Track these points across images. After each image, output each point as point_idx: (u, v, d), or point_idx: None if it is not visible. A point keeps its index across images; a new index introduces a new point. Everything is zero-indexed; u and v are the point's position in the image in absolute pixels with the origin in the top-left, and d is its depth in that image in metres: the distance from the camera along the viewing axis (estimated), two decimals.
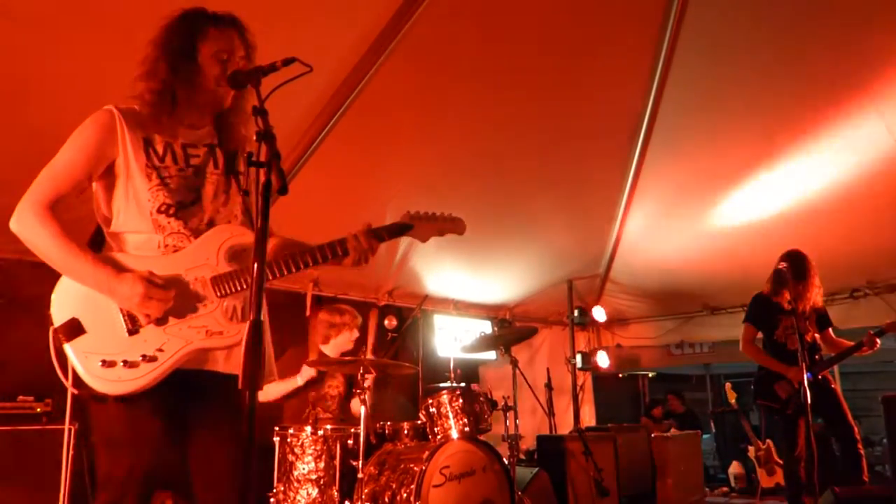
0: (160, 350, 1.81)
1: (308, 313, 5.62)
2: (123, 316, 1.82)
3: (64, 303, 1.83)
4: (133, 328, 1.82)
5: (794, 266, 4.32)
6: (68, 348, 1.78)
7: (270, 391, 4.26)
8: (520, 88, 4.89)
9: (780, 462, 6.83)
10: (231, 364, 1.93)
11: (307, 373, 4.07)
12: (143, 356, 1.80)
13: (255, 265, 1.47)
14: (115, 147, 1.90)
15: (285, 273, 1.96)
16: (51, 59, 3.34)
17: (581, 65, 4.91)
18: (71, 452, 3.60)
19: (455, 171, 5.42)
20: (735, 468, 7.80)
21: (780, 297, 4.43)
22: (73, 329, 1.79)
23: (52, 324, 1.81)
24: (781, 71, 4.83)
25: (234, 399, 1.71)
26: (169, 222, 1.90)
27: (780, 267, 4.15)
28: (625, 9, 4.67)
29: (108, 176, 1.93)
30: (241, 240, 1.97)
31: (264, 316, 1.59)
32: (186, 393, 1.89)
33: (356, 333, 4.43)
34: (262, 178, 1.51)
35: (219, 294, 1.91)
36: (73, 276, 1.83)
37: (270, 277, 1.91)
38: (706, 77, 5.13)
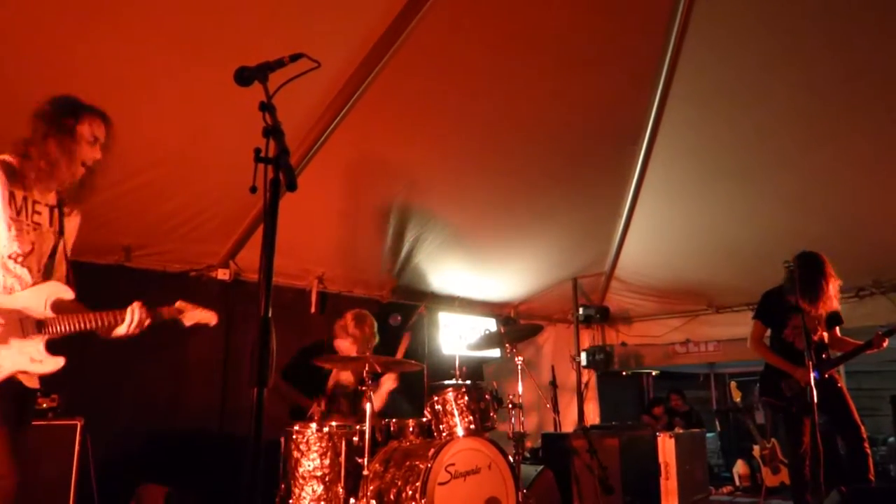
0: None
1: (313, 310, 5.62)
2: None
3: None
4: None
5: (808, 273, 4.26)
6: None
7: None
8: (526, 86, 4.87)
9: (785, 461, 6.83)
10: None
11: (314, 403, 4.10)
12: None
13: (263, 263, 1.46)
14: None
15: (66, 330, 2.42)
16: None
17: (587, 61, 4.89)
18: (77, 448, 3.62)
19: (460, 169, 5.41)
20: (740, 467, 7.80)
21: (789, 297, 4.38)
22: None
23: None
24: (788, 67, 4.80)
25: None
26: (15, 268, 2.34)
27: (792, 272, 4.10)
28: (633, 3, 4.65)
29: None
30: (64, 295, 2.46)
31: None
32: (15, 398, 2.35)
33: (354, 351, 4.42)
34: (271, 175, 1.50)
35: (42, 333, 2.36)
36: None
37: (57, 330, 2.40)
38: (713, 74, 5.11)
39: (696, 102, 5.35)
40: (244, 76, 1.80)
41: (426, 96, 4.70)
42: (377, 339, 4.54)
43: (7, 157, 2.36)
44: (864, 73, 4.69)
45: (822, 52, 4.65)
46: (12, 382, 2.31)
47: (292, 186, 1.49)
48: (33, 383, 2.42)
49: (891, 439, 8.80)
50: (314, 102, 4.27)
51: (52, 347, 2.41)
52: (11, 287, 2.33)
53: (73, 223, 2.62)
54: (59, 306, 2.42)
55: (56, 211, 2.51)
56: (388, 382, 4.46)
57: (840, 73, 4.73)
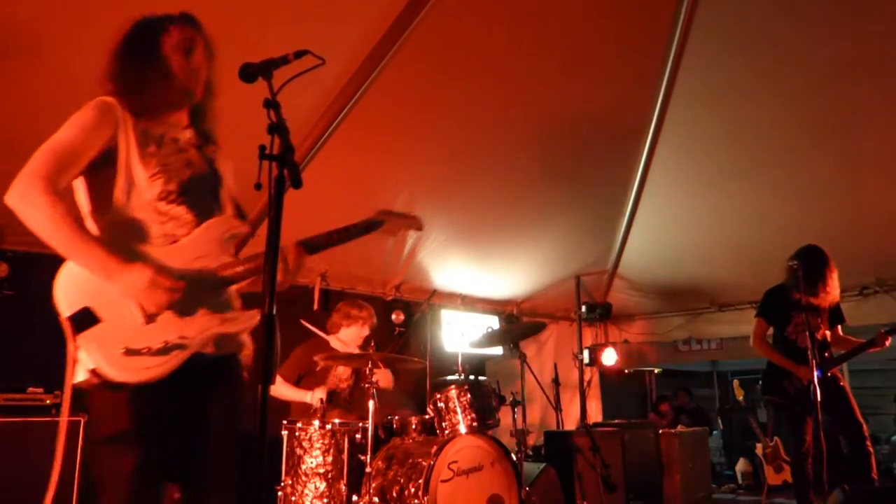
0: (183, 336, 1.81)
1: (316, 307, 5.62)
2: (138, 305, 1.76)
3: (72, 293, 1.76)
4: (150, 317, 1.78)
5: (810, 266, 4.26)
6: (82, 339, 1.72)
7: (279, 389, 4.27)
8: (530, 83, 4.87)
9: (788, 459, 6.83)
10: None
11: (318, 395, 4.10)
12: (166, 342, 1.78)
13: (268, 259, 1.46)
14: (115, 133, 1.87)
15: (250, 273, 1.96)
16: None
17: (590, 58, 4.88)
18: (80, 444, 3.63)
19: (463, 166, 5.40)
20: (742, 465, 7.79)
21: (792, 293, 4.38)
22: (86, 319, 1.73)
23: (59, 314, 1.73)
24: (793, 66, 4.79)
25: (236, 377, 1.99)
26: (169, 209, 1.89)
27: (793, 266, 4.11)
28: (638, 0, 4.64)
29: (103, 166, 1.86)
30: (238, 230, 2.02)
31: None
32: (198, 378, 1.88)
33: (366, 331, 4.45)
34: (275, 172, 1.50)
35: (226, 282, 1.93)
36: (79, 261, 1.76)
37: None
38: (717, 72, 5.10)
39: (700, 100, 5.34)
40: (248, 73, 1.77)
41: (430, 93, 4.70)
42: (376, 321, 4.55)
43: (111, 97, 1.92)
44: (868, 70, 4.67)
45: (827, 49, 4.63)
46: (198, 363, 1.84)
47: (297, 184, 1.49)
48: (228, 346, 1.95)
49: (893, 438, 8.80)
50: (317, 99, 4.27)
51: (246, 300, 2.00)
52: (173, 234, 1.89)
53: (226, 165, 2.17)
54: (233, 244, 2.01)
55: (202, 148, 2.09)
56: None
57: (845, 70, 4.72)
